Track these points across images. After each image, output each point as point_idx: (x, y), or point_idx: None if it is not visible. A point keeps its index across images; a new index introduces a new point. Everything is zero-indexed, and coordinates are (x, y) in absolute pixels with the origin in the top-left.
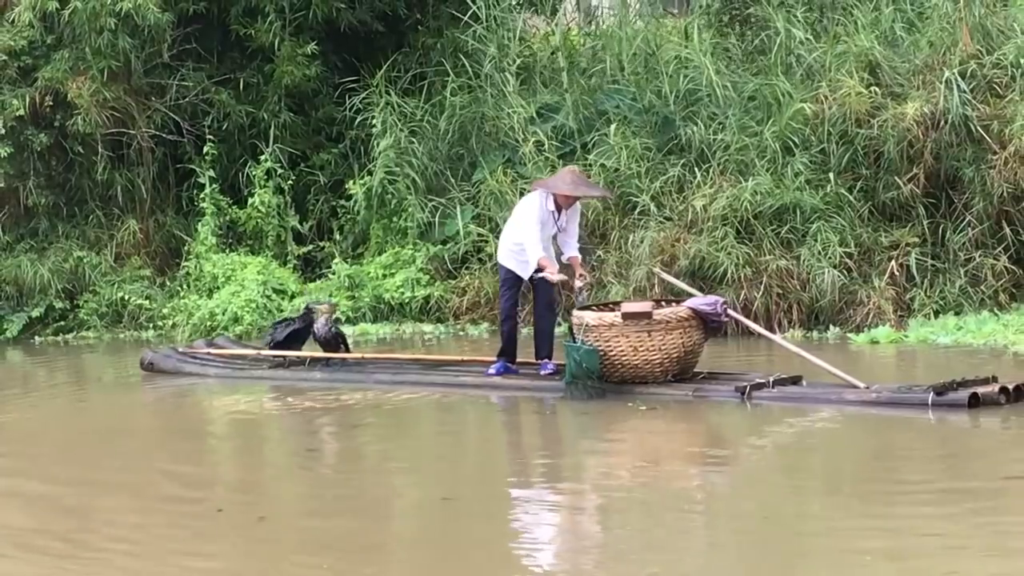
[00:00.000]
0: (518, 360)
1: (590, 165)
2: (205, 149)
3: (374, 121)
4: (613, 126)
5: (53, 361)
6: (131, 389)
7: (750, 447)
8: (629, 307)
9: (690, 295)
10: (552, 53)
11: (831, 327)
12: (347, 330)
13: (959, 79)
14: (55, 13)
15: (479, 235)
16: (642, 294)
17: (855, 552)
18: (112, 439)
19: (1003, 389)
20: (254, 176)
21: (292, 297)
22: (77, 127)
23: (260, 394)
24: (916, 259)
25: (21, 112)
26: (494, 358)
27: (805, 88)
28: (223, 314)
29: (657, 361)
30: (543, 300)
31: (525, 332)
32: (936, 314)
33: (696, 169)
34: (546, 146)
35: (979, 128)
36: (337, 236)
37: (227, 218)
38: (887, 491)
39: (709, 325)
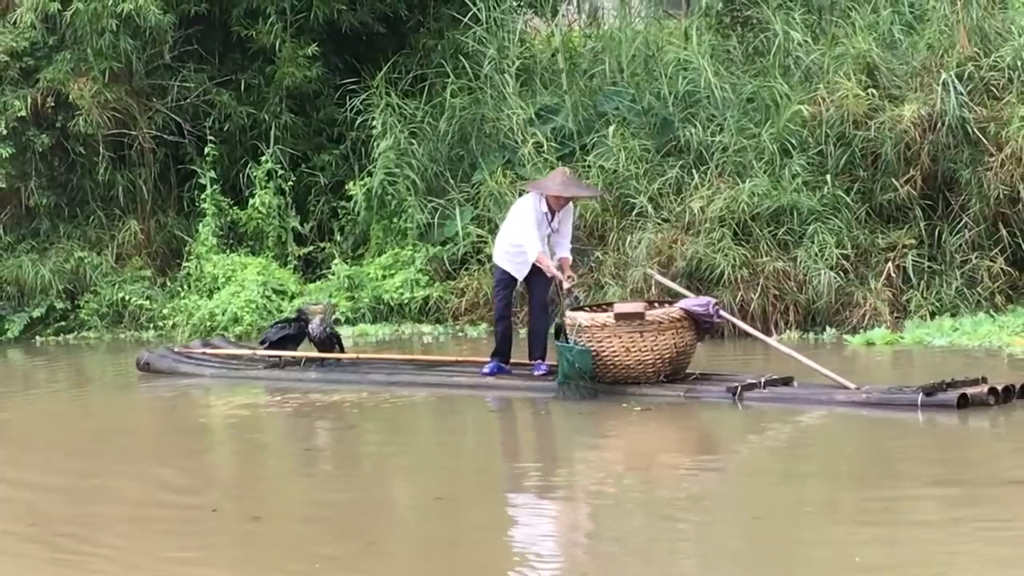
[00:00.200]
0: (512, 361)
1: (589, 166)
2: (206, 150)
3: (374, 122)
4: (612, 128)
5: (52, 361)
6: (127, 389)
7: (741, 448)
8: (621, 308)
9: (683, 296)
10: (552, 55)
11: (828, 328)
12: (346, 331)
13: (956, 81)
14: (57, 14)
15: (478, 236)
16: (640, 295)
17: (846, 552)
18: (107, 439)
19: (992, 390)
20: (255, 177)
21: (292, 298)
22: (79, 128)
23: (255, 394)
24: (913, 261)
25: (23, 113)
26: (488, 359)
27: (803, 90)
28: (223, 314)
29: (649, 362)
30: (538, 301)
31: (522, 333)
32: (932, 316)
33: (694, 171)
34: (545, 148)
35: (976, 130)
36: (338, 237)
37: (228, 219)
38: (879, 490)
39: (701, 326)
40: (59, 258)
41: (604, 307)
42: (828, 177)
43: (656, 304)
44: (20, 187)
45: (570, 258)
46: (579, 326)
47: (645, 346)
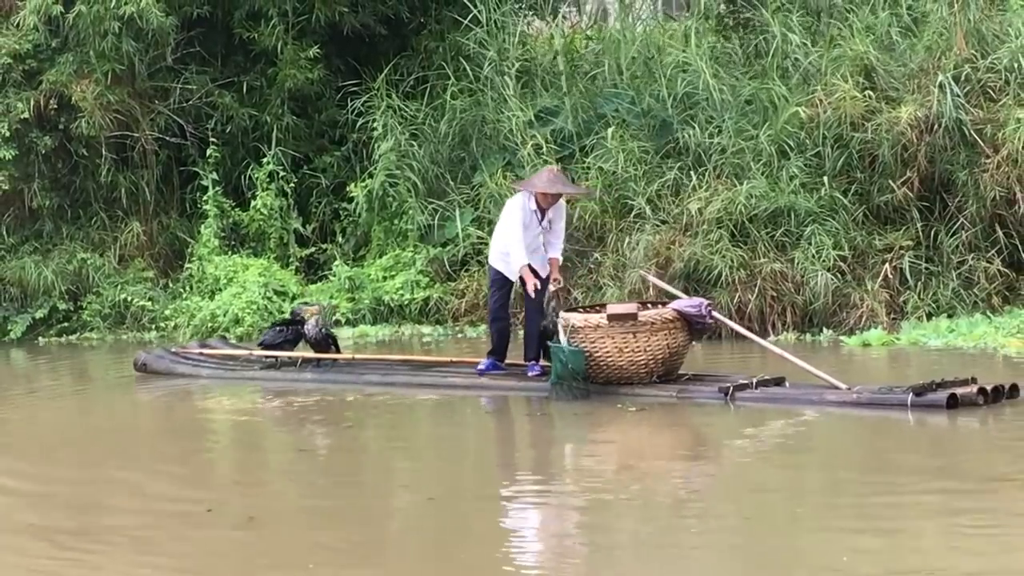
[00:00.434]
0: (508, 362)
1: (588, 168)
2: (208, 152)
3: (375, 124)
4: (611, 129)
5: (52, 362)
6: (125, 390)
7: (733, 449)
8: (614, 309)
9: (676, 297)
10: (554, 57)
11: (824, 329)
12: (347, 332)
13: (952, 83)
14: (60, 17)
15: (479, 238)
16: (638, 296)
17: (837, 552)
18: (104, 439)
19: (981, 390)
20: (257, 179)
21: (293, 299)
22: (81, 130)
23: (251, 395)
24: (910, 262)
25: (26, 115)
26: (483, 359)
27: (801, 92)
28: (224, 315)
29: (642, 362)
30: (532, 303)
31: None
32: (929, 317)
33: (692, 172)
34: (544, 149)
35: (972, 132)
36: (339, 238)
37: (230, 220)
38: (870, 489)
39: (694, 327)
40: (62, 259)
41: (597, 308)
42: (825, 179)
43: (650, 305)
44: (23, 189)
45: (560, 259)
46: (572, 327)
47: (638, 347)
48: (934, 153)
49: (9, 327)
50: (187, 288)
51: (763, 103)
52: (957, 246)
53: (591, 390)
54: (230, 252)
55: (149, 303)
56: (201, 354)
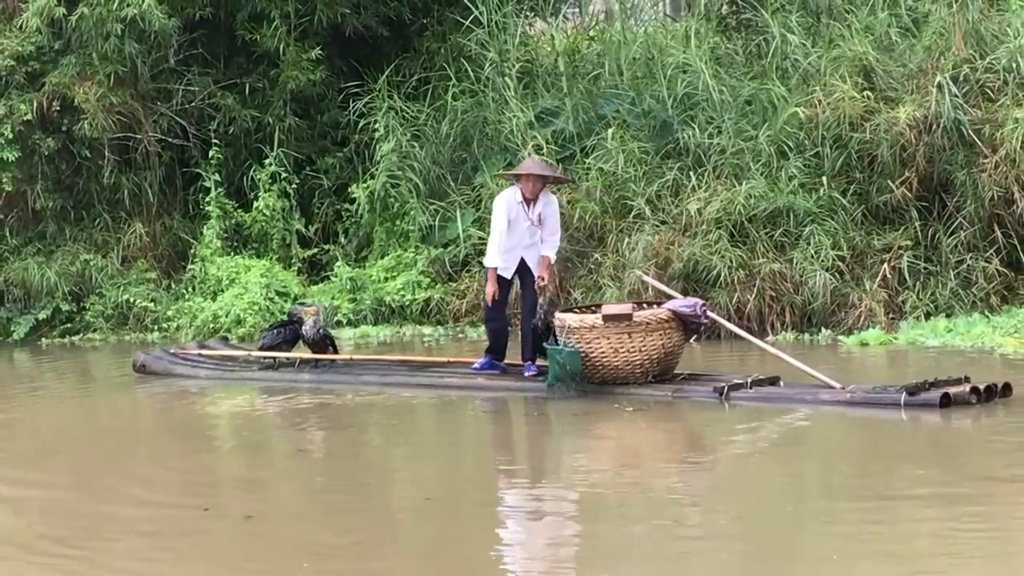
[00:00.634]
0: (506, 362)
1: (588, 168)
2: (211, 153)
3: (377, 125)
4: (611, 130)
5: (55, 363)
6: (124, 391)
7: (727, 447)
8: (610, 309)
9: (672, 298)
10: (556, 57)
11: (823, 329)
12: (348, 332)
13: (951, 83)
14: (62, 19)
15: (480, 238)
16: (637, 296)
17: (832, 550)
18: (103, 440)
19: (974, 389)
20: (259, 180)
21: (295, 300)
22: (84, 131)
23: (249, 395)
24: (908, 262)
25: (29, 117)
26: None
27: (801, 92)
28: (226, 316)
29: (638, 362)
30: (528, 303)
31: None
32: (928, 316)
33: (692, 173)
34: (545, 150)
35: (971, 132)
36: (342, 239)
37: (232, 221)
38: (865, 488)
39: (689, 326)
40: (65, 261)
41: (593, 308)
42: (824, 179)
43: (646, 305)
44: (26, 190)
45: (552, 257)
46: (568, 327)
47: (633, 347)
48: (933, 153)
49: (12, 328)
50: (189, 289)
51: (763, 104)
52: (956, 246)
53: (588, 390)
54: (233, 253)
55: (151, 304)
56: (199, 355)
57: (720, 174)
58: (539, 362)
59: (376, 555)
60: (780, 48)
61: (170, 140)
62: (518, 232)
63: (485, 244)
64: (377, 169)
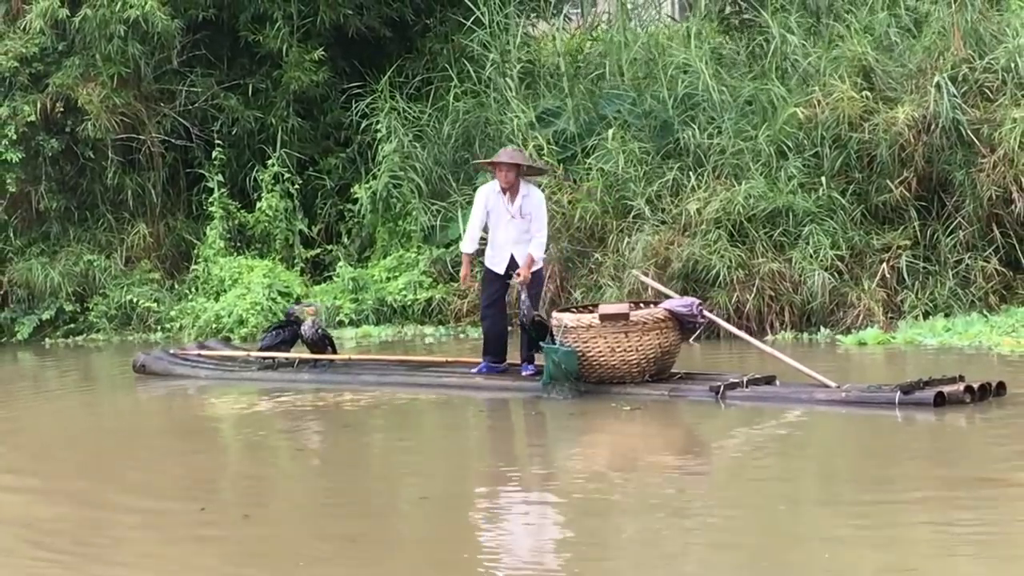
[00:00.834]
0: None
1: (589, 169)
2: (214, 154)
3: (379, 126)
4: (611, 130)
5: (57, 363)
6: (124, 391)
7: (723, 447)
8: (606, 309)
9: (668, 297)
10: (558, 58)
11: (822, 329)
12: (350, 332)
13: (949, 84)
14: (66, 20)
15: (481, 239)
16: (637, 296)
17: (830, 549)
18: (102, 440)
19: (968, 388)
20: (262, 180)
21: (297, 300)
22: (88, 132)
23: (249, 395)
24: (907, 261)
25: (33, 118)
26: (479, 360)
27: (801, 93)
28: (228, 316)
29: (635, 361)
30: (529, 300)
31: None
32: (926, 316)
33: (692, 173)
34: (545, 150)
35: (969, 132)
36: (345, 240)
37: (236, 222)
38: (860, 487)
39: (685, 326)
40: (68, 261)
41: (590, 308)
42: (823, 179)
43: (643, 305)
44: (30, 191)
45: (536, 255)
46: (565, 327)
47: (630, 346)
48: (931, 153)
49: (16, 328)
50: (193, 289)
51: (762, 104)
52: (954, 245)
53: (584, 389)
54: (236, 254)
55: (155, 304)
56: (199, 355)
57: (720, 174)
58: (538, 361)
59: (372, 554)
60: (780, 48)
61: (173, 141)
62: (502, 225)
63: (486, 244)
64: (379, 170)
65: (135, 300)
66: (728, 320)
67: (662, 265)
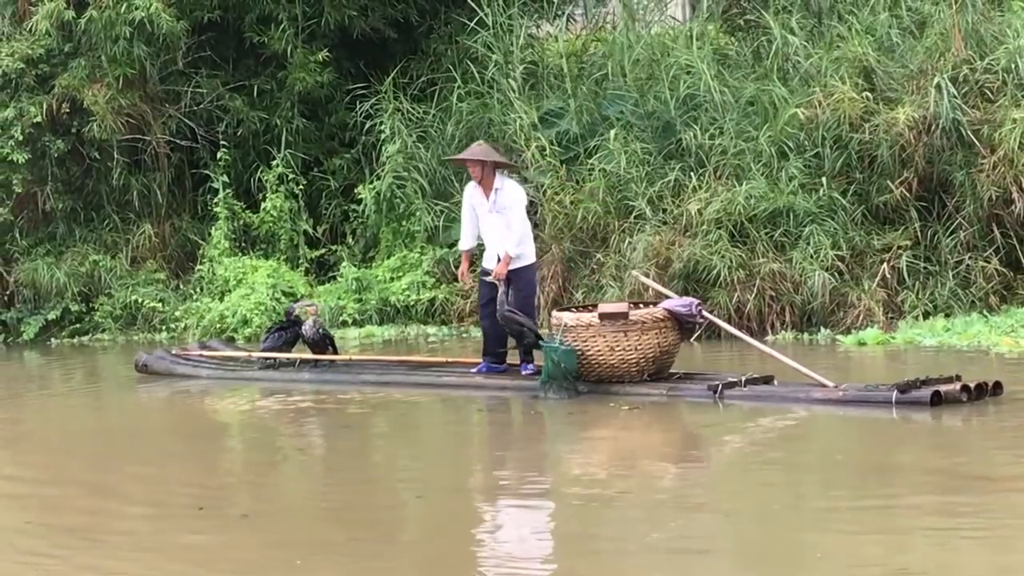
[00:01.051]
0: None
1: (591, 169)
2: (219, 155)
3: (382, 127)
4: (614, 131)
5: (61, 363)
6: (126, 391)
7: (720, 446)
8: (606, 308)
9: (667, 297)
10: (561, 59)
11: (822, 329)
12: (353, 332)
13: (949, 84)
14: (72, 22)
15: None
16: (638, 296)
17: (821, 549)
18: (103, 439)
19: (965, 387)
20: (267, 181)
21: (296, 299)
22: (93, 133)
23: (250, 395)
24: (908, 262)
25: (39, 119)
26: (479, 360)
27: (802, 93)
28: (232, 316)
29: (633, 361)
30: (517, 301)
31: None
32: (926, 316)
33: (693, 173)
34: (547, 151)
35: (969, 133)
36: (349, 240)
37: (241, 222)
38: (855, 487)
39: (684, 326)
40: (74, 261)
41: (589, 307)
42: (824, 179)
43: (643, 305)
44: (36, 192)
45: (510, 252)
46: (564, 326)
47: (629, 345)
48: (932, 154)
49: (22, 328)
50: (198, 289)
51: (764, 104)
52: (955, 246)
53: (582, 389)
54: (241, 254)
55: (160, 304)
56: (201, 355)
57: (721, 175)
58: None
59: (369, 553)
60: (781, 49)
61: (179, 142)
62: (485, 222)
63: None
64: (383, 170)
65: (140, 300)
66: (729, 320)
67: (663, 265)
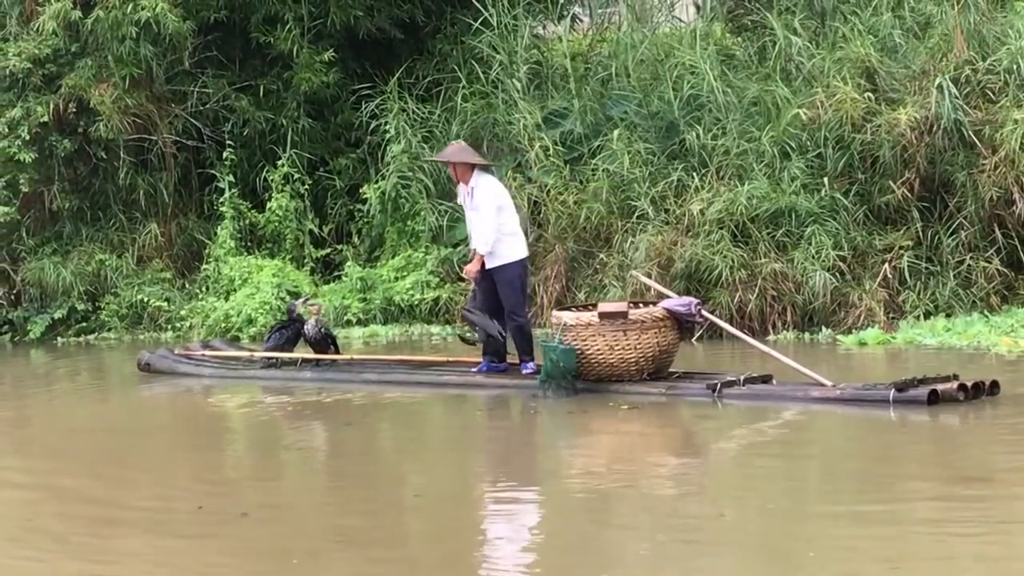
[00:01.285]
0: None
1: (594, 169)
2: (225, 154)
3: (387, 127)
4: (617, 131)
5: (66, 361)
6: (128, 390)
7: (718, 445)
8: (605, 307)
9: (667, 296)
10: (565, 59)
11: (824, 329)
12: (357, 332)
13: (951, 85)
14: (78, 22)
15: None
16: (640, 296)
17: (819, 548)
18: (103, 438)
19: (962, 386)
20: (272, 181)
21: (296, 296)
22: (100, 133)
23: (251, 394)
24: (909, 262)
25: (46, 119)
26: (479, 359)
27: (805, 94)
28: (237, 316)
29: (633, 360)
30: (501, 299)
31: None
32: (927, 316)
33: (695, 173)
34: (551, 151)
35: (971, 133)
36: (355, 239)
37: (247, 222)
38: (853, 485)
39: (684, 325)
40: (81, 260)
41: (589, 307)
42: (826, 179)
43: (642, 304)
44: (43, 191)
45: (480, 250)
46: (564, 325)
47: (629, 344)
48: (934, 154)
49: (29, 327)
50: (203, 289)
51: (767, 105)
52: (956, 246)
53: (582, 387)
54: (246, 253)
55: (165, 304)
56: (203, 354)
57: (724, 175)
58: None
59: (369, 552)
60: (784, 50)
61: (185, 141)
62: (468, 221)
63: None
64: (388, 170)
65: (146, 299)
66: (730, 320)
67: (665, 265)
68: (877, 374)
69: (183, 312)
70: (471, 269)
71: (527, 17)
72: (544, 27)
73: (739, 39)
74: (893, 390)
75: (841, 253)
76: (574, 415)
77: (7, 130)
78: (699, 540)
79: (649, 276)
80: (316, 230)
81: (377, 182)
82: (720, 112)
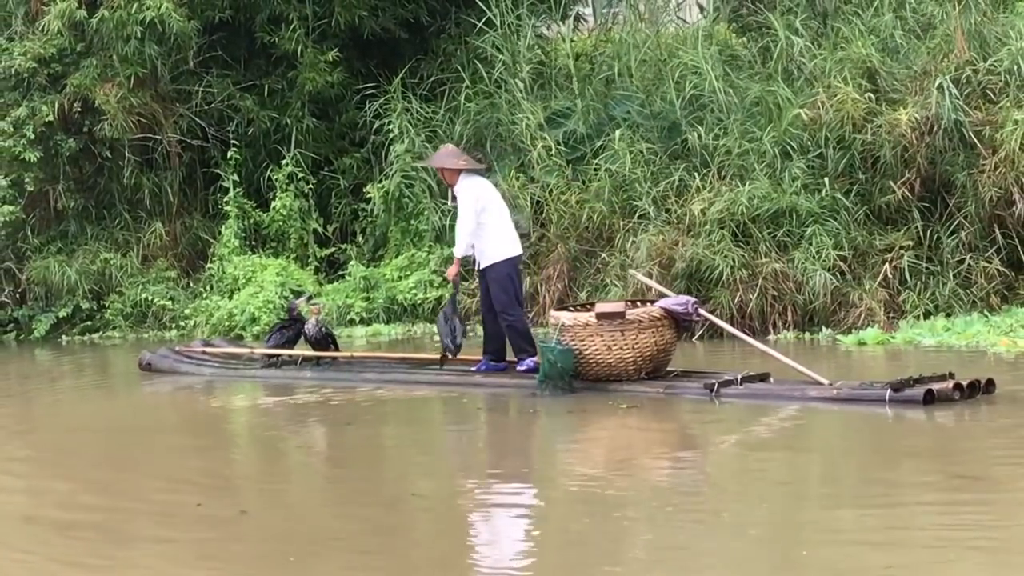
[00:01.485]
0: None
1: (596, 169)
2: (229, 154)
3: (391, 126)
4: (619, 131)
5: (69, 360)
6: (129, 388)
7: (717, 444)
8: (603, 307)
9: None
10: (569, 59)
11: (824, 328)
12: (360, 331)
13: (951, 85)
14: (83, 22)
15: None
16: (641, 296)
17: (817, 548)
18: (103, 437)
19: (957, 386)
20: (276, 180)
21: (309, 299)
22: (105, 132)
23: (252, 393)
24: (909, 262)
25: (51, 118)
26: (479, 358)
27: (806, 94)
28: (241, 315)
29: (631, 359)
30: (491, 299)
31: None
32: (928, 316)
33: (697, 173)
34: (554, 151)
35: (971, 134)
36: (359, 239)
37: (251, 221)
38: (850, 484)
39: (681, 324)
40: (86, 259)
41: (587, 306)
42: (827, 180)
43: (641, 303)
44: (48, 190)
45: (456, 254)
46: (562, 325)
47: (626, 344)
48: (934, 154)
49: (34, 326)
50: (208, 288)
51: (768, 105)
52: (956, 246)
53: (581, 386)
54: (251, 252)
55: (170, 302)
56: (204, 353)
57: (725, 175)
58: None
59: (363, 550)
60: (786, 50)
61: (190, 141)
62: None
63: None
64: (392, 170)
65: (151, 298)
66: (731, 320)
67: (666, 265)
68: (876, 374)
69: (187, 311)
70: (450, 272)
71: (531, 17)
72: (548, 27)
73: (743, 39)
74: (889, 390)
75: (841, 253)
76: (573, 414)
77: (12, 129)
78: (697, 539)
79: (649, 275)
80: (320, 229)
81: (381, 182)
82: (722, 112)
